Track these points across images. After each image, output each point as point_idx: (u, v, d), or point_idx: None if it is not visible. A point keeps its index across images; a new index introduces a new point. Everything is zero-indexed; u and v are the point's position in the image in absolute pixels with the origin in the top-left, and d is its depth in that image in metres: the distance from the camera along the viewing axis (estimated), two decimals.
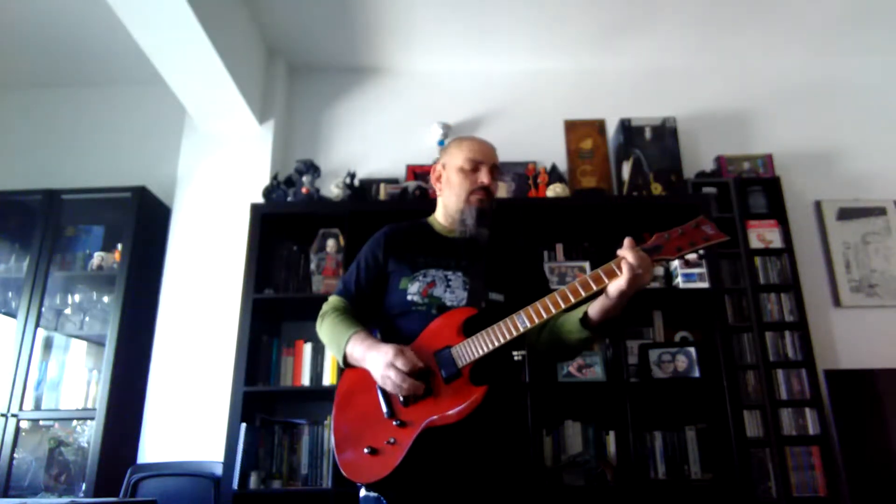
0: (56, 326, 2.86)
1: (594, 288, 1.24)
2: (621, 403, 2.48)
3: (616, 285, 1.23)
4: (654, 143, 3.08)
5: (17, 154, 3.40)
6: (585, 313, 1.33)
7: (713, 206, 2.90)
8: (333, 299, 1.59)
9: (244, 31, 3.00)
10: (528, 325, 1.28)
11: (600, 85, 3.38)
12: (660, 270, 2.71)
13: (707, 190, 2.99)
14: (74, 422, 2.73)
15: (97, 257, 2.87)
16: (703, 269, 2.62)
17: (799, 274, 2.86)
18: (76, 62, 3.33)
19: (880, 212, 3.10)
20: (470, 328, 1.35)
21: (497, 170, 1.58)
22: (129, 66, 3.26)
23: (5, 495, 2.54)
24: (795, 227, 3.01)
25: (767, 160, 3.12)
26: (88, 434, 2.64)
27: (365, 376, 1.38)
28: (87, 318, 2.88)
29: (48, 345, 2.90)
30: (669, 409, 2.63)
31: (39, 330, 2.77)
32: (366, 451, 1.32)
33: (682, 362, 2.55)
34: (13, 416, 2.62)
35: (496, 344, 1.29)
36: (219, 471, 2.42)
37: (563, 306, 1.26)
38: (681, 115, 3.22)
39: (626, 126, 3.10)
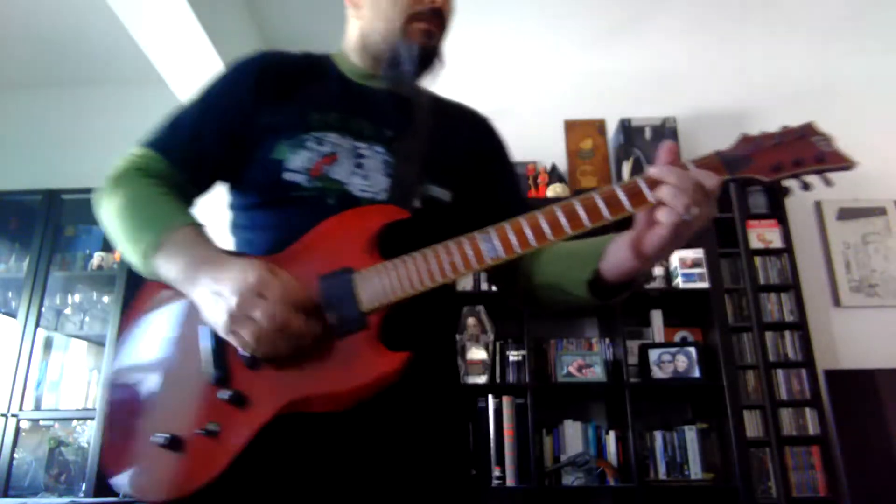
0: (56, 326, 2.86)
1: (609, 218, 0.73)
2: (621, 403, 2.48)
3: (649, 238, 0.72)
4: (654, 143, 3.08)
5: (17, 154, 3.39)
6: (596, 271, 0.81)
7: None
8: (141, 153, 0.93)
9: (244, 31, 3.00)
10: (503, 255, 0.73)
11: (600, 85, 3.38)
12: (659, 270, 2.70)
13: None
14: (74, 422, 2.74)
15: (97, 257, 2.87)
16: (703, 269, 2.62)
17: (799, 274, 2.85)
18: (75, 62, 3.33)
19: (880, 212, 3.09)
20: (391, 244, 0.77)
21: None
22: (128, 66, 3.25)
23: (5, 495, 2.54)
24: (795, 227, 3.00)
25: None
26: (88, 434, 2.64)
27: (183, 299, 0.78)
28: (87, 318, 2.88)
29: (48, 345, 2.90)
30: (669, 409, 2.63)
31: (39, 330, 2.78)
32: (159, 440, 0.71)
33: (682, 362, 2.55)
34: (13, 416, 2.62)
35: (439, 280, 0.73)
36: None
37: (564, 235, 0.73)
38: (681, 115, 3.21)
39: (626, 126, 3.10)
